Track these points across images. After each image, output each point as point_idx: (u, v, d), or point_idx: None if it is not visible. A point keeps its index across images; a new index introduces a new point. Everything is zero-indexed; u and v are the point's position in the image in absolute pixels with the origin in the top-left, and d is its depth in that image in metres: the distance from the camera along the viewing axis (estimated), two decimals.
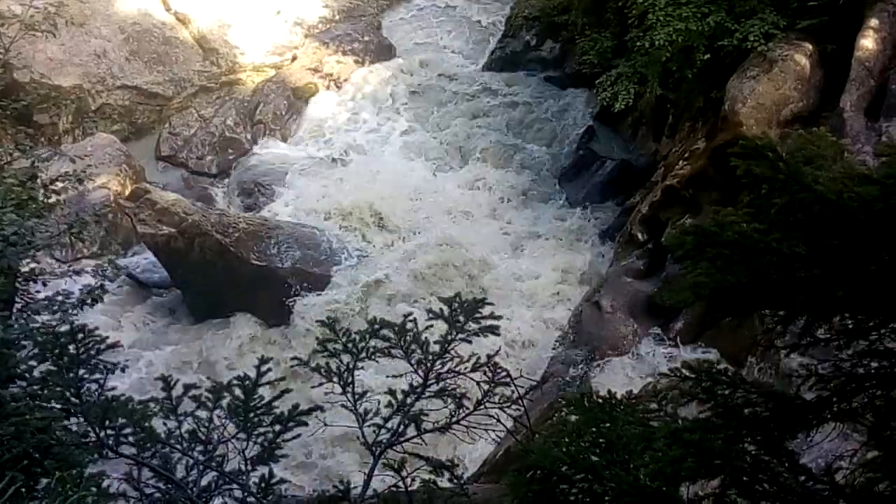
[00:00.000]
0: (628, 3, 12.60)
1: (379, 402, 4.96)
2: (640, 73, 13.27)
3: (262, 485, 4.69)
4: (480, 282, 13.43)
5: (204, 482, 4.69)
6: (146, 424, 4.61)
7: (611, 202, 14.72)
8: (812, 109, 11.68)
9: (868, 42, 11.35)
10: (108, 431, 4.61)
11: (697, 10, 12.02)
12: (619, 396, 4.64)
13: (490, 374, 5.01)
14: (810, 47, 11.74)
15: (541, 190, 15.18)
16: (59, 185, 10.00)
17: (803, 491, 3.87)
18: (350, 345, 4.93)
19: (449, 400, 4.95)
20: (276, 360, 5.02)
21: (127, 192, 14.89)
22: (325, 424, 4.96)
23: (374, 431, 4.90)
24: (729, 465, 3.74)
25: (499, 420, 5.07)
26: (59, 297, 7.90)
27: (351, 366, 4.92)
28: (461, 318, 4.93)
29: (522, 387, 5.13)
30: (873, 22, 11.45)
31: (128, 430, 4.62)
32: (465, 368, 4.98)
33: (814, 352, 4.03)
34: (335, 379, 4.89)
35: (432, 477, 4.80)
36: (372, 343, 4.94)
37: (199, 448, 4.70)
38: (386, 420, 4.91)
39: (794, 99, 11.56)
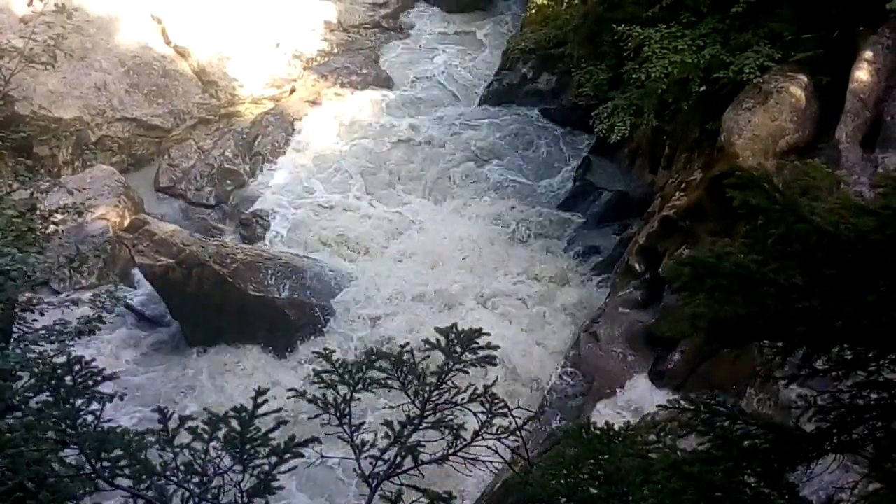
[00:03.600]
0: (624, 35, 12.71)
1: (376, 434, 4.93)
2: (636, 104, 13.37)
3: None
4: (476, 311, 13.40)
5: None
6: (142, 456, 4.57)
7: (608, 233, 14.75)
8: (808, 141, 11.74)
9: (863, 74, 11.44)
10: (104, 463, 4.57)
11: (693, 42, 12.13)
12: (617, 428, 4.61)
13: (487, 405, 4.98)
14: (805, 79, 11.83)
15: (538, 221, 15.21)
16: (59, 216, 10.02)
17: None
18: (346, 376, 4.91)
19: (446, 431, 4.92)
20: (273, 390, 4.98)
21: (125, 223, 14.91)
22: (322, 456, 4.92)
23: (371, 463, 4.86)
24: (729, 497, 3.72)
25: (497, 451, 5.03)
26: (57, 328, 7.88)
27: (348, 397, 4.89)
28: (458, 349, 4.91)
29: (520, 418, 5.10)
30: (867, 54, 11.55)
31: (123, 462, 4.58)
32: (463, 399, 4.95)
33: (813, 383, 4.01)
34: (332, 410, 4.86)
35: None
36: (369, 374, 4.92)
37: (195, 480, 4.66)
38: (383, 451, 4.87)
39: (789, 130, 11.62)
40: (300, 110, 17.88)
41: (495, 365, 4.93)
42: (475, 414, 4.99)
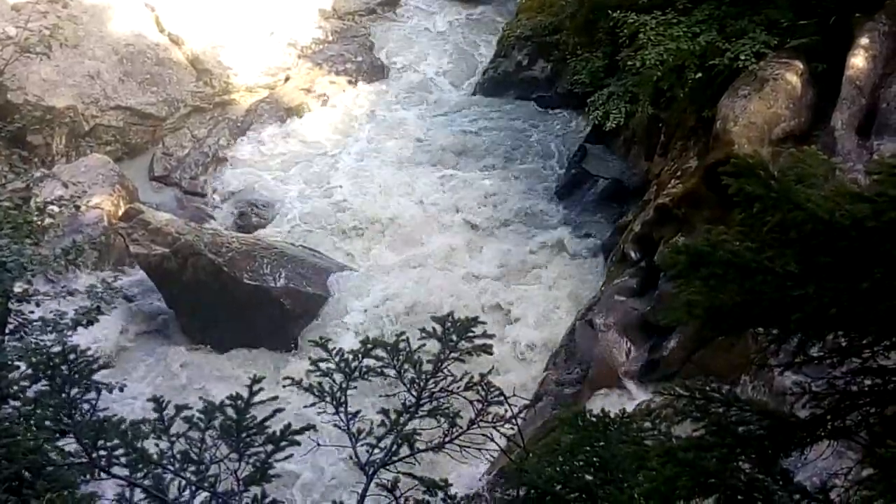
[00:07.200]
0: (619, 22, 12.68)
1: (372, 422, 4.94)
2: (632, 92, 13.35)
3: None
4: (473, 301, 13.42)
5: (196, 503, 4.66)
6: (138, 445, 4.58)
7: (603, 221, 14.74)
8: (804, 128, 11.73)
9: (859, 61, 11.43)
10: (101, 452, 4.58)
11: (688, 29, 12.10)
12: (612, 415, 4.62)
13: (483, 393, 5.00)
14: (801, 66, 11.81)
15: (533, 209, 15.20)
16: (55, 209, 9.99)
17: None
18: (343, 364, 4.92)
19: (442, 419, 4.93)
20: (269, 379, 4.99)
21: (120, 213, 14.87)
22: (318, 444, 4.94)
23: (368, 451, 4.88)
24: (723, 483, 3.73)
25: (492, 439, 5.05)
26: (53, 318, 7.88)
27: (344, 385, 4.91)
28: (454, 337, 4.93)
29: (516, 405, 5.11)
30: (864, 41, 11.53)
31: (120, 451, 4.59)
32: (459, 387, 4.97)
33: (807, 370, 4.02)
34: (328, 398, 4.88)
35: (426, 497, 4.77)
36: (365, 362, 4.93)
37: (192, 468, 4.67)
38: (379, 440, 4.89)
39: (785, 118, 11.61)
40: (295, 98, 17.83)
41: (491, 353, 4.95)
42: (471, 402, 5.01)
